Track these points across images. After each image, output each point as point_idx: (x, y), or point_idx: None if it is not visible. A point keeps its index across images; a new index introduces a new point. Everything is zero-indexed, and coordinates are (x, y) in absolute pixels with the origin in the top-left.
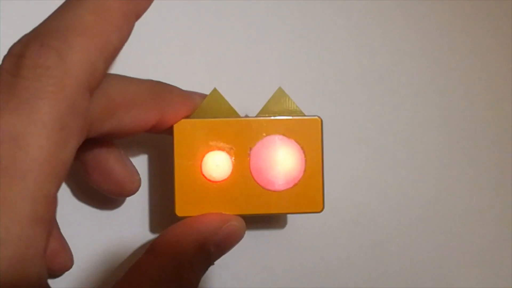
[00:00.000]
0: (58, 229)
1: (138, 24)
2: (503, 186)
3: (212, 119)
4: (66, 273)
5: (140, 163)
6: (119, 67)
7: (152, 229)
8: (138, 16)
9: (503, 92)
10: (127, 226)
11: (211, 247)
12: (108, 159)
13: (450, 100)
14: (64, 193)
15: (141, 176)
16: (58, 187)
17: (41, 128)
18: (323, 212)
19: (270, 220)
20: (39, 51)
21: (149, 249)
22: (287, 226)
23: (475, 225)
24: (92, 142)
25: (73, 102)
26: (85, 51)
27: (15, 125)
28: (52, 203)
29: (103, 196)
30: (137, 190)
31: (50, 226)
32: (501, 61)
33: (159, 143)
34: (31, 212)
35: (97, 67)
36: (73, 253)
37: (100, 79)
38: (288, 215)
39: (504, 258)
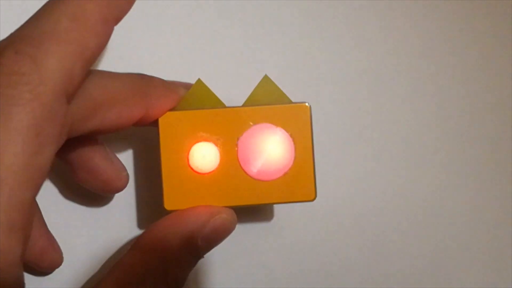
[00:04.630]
0: (46, 226)
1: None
2: (504, 185)
3: (197, 110)
4: (55, 270)
5: (125, 157)
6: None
7: (140, 225)
8: (117, 20)
9: (504, 92)
10: (114, 222)
11: (199, 241)
12: (93, 157)
13: (450, 98)
14: (50, 191)
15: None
16: (35, 193)
17: (15, 135)
18: (315, 203)
19: (257, 212)
20: (14, 58)
21: (134, 245)
22: (274, 218)
23: (475, 225)
24: (75, 141)
25: (49, 108)
26: (61, 57)
27: None
28: (28, 210)
29: (89, 193)
30: (125, 186)
31: (27, 232)
32: (502, 61)
33: (143, 135)
34: (6, 220)
35: (74, 73)
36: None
37: (77, 84)
38: (276, 206)
39: (504, 258)
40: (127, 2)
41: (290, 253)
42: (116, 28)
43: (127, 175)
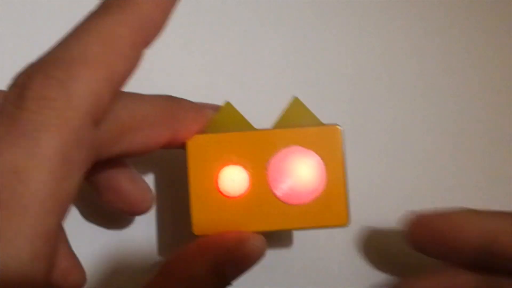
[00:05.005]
0: (69, 246)
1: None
2: (504, 185)
3: (226, 133)
4: None
5: (147, 180)
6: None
7: (161, 249)
8: (147, 44)
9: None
10: (134, 247)
11: (227, 268)
12: (119, 179)
13: (468, 107)
14: (71, 213)
15: None
16: (61, 220)
17: (43, 162)
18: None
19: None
20: (43, 82)
21: (159, 270)
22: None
23: None
24: (101, 163)
25: (76, 134)
26: (90, 82)
27: (17, 159)
28: (53, 237)
29: (109, 214)
30: (150, 208)
31: (51, 260)
32: (503, 60)
33: (166, 157)
34: (30, 248)
35: (103, 98)
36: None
37: (106, 109)
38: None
39: None
40: (157, 26)
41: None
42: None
43: (152, 197)
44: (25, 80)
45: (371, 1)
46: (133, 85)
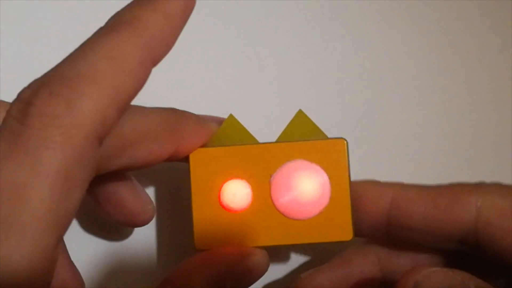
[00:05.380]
0: (68, 257)
1: None
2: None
3: (229, 147)
4: None
5: (148, 190)
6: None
7: (160, 261)
8: (155, 62)
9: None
10: (134, 258)
11: (228, 283)
12: (120, 191)
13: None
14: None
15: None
16: (60, 237)
17: (44, 179)
18: None
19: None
20: (48, 99)
21: (160, 285)
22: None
23: None
24: (102, 175)
25: (80, 152)
26: (96, 100)
27: (18, 176)
28: (51, 255)
29: (110, 226)
30: (151, 219)
31: (49, 277)
32: (503, 60)
33: (167, 168)
34: (27, 267)
35: (108, 116)
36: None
37: (111, 128)
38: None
39: None
40: (167, 44)
41: None
42: None
43: (153, 208)
44: (30, 96)
45: (378, 9)
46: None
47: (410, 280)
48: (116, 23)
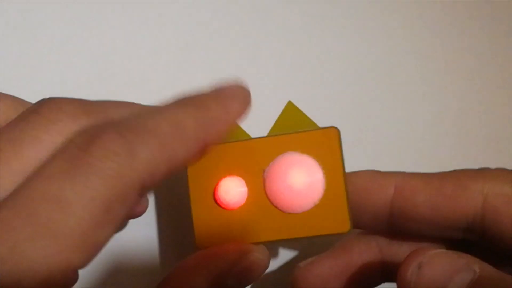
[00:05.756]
0: None
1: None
2: None
3: (222, 144)
4: None
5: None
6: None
7: (161, 261)
8: (205, 144)
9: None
10: (134, 259)
11: (228, 281)
12: None
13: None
14: None
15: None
16: (82, 264)
17: (88, 202)
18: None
19: None
20: (114, 137)
21: (161, 283)
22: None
23: None
24: None
25: (125, 192)
26: (153, 152)
27: (65, 190)
28: (68, 279)
29: None
30: (144, 211)
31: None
32: (503, 60)
33: None
34: (45, 275)
35: (158, 170)
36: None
37: (155, 183)
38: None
39: None
40: (218, 132)
41: None
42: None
43: (147, 200)
44: (97, 130)
45: (369, 2)
46: (131, 89)
47: (414, 261)
48: (185, 101)
